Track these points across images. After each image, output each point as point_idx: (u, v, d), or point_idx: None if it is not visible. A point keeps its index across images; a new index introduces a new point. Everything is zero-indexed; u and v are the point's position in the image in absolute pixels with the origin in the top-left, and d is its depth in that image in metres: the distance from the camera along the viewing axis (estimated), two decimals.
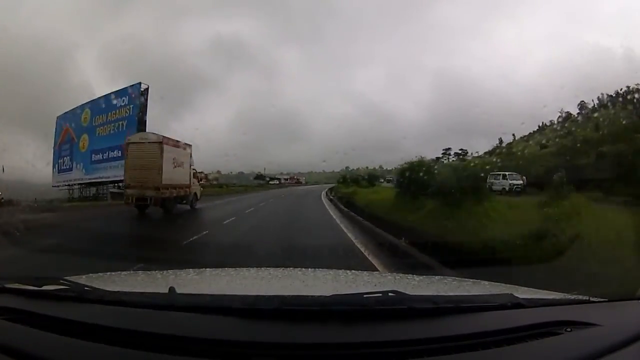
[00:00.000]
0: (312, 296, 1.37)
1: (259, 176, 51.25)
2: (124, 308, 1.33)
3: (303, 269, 2.28)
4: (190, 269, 2.27)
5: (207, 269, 2.37)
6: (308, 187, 48.46)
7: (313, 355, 1.15)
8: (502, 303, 1.34)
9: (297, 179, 58.91)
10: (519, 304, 1.34)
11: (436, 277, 2.15)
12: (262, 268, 2.30)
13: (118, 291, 1.53)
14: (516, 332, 1.21)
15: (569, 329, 1.22)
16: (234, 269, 2.37)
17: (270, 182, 51.73)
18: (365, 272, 2.23)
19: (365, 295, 1.31)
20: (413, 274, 2.27)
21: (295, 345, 1.15)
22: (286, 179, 56.71)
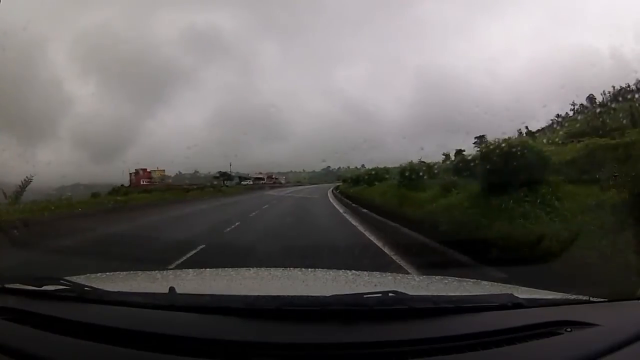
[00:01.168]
0: (312, 296, 1.37)
1: (224, 175, 40.53)
2: (123, 308, 1.33)
3: (303, 269, 2.28)
4: (190, 269, 2.28)
5: (207, 269, 2.38)
6: (296, 190, 33.45)
7: (313, 356, 1.15)
8: (502, 303, 1.34)
9: (275, 179, 47.75)
10: (519, 304, 1.34)
11: (436, 277, 2.15)
12: (262, 268, 2.30)
13: (118, 291, 1.53)
14: (516, 332, 1.21)
15: (569, 329, 1.22)
16: (233, 269, 2.37)
17: (242, 183, 42.49)
18: (365, 272, 2.23)
19: (365, 296, 1.31)
20: (413, 274, 2.27)
21: (296, 345, 1.15)
22: (259, 179, 45.50)
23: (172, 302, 1.34)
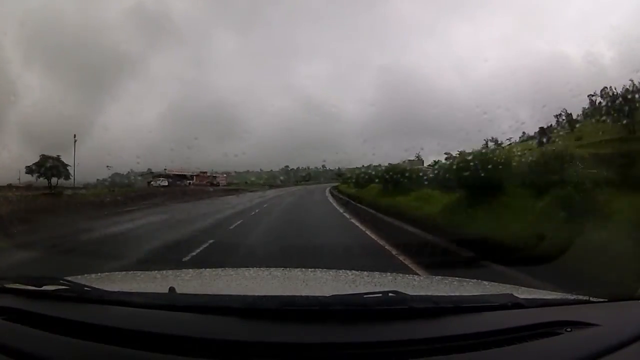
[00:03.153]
0: (312, 296, 1.37)
1: (152, 174, 31.78)
2: (123, 308, 1.33)
3: (303, 269, 2.28)
4: (190, 269, 2.28)
5: (207, 269, 2.38)
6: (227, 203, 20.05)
7: (313, 355, 1.15)
8: (502, 303, 1.34)
9: (213, 178, 37.35)
10: (519, 304, 1.34)
11: (436, 277, 2.15)
12: (262, 268, 2.30)
13: (118, 291, 1.53)
14: (516, 332, 1.21)
15: (569, 329, 1.22)
16: (233, 269, 2.38)
17: (153, 184, 32.26)
18: (365, 272, 2.23)
19: (365, 296, 1.31)
20: (413, 274, 2.27)
21: (296, 345, 1.15)
22: (182, 178, 34.88)
23: (172, 302, 1.34)
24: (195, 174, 36.20)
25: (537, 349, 1.16)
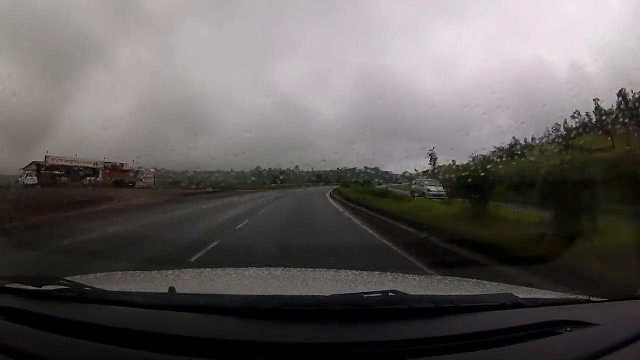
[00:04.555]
0: (312, 296, 1.38)
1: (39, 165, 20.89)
2: (124, 308, 1.33)
3: (303, 269, 2.28)
4: (190, 269, 2.28)
5: (207, 269, 2.38)
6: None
7: (313, 355, 1.14)
8: (502, 303, 1.34)
9: (136, 174, 26.07)
10: (519, 304, 1.34)
11: (436, 277, 2.15)
12: (262, 268, 2.30)
13: (118, 291, 1.53)
14: (516, 332, 1.21)
15: (569, 329, 1.22)
16: (233, 269, 2.38)
17: (20, 181, 20.60)
18: (365, 272, 2.23)
19: (365, 295, 1.31)
20: (413, 275, 2.27)
21: (296, 345, 1.15)
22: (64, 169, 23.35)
23: (172, 302, 1.34)
24: (100, 166, 25.20)
25: (537, 349, 1.16)
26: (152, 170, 25.31)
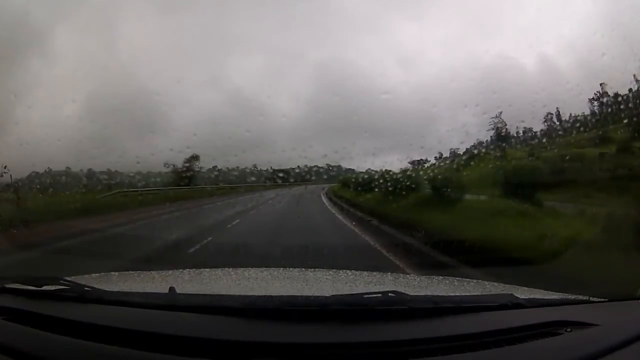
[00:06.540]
0: (312, 296, 1.37)
1: None
2: (124, 308, 1.33)
3: (303, 269, 2.28)
4: (190, 269, 2.27)
5: (207, 269, 2.37)
6: None
7: (313, 355, 1.15)
8: (502, 303, 1.34)
9: None
10: (519, 304, 1.34)
11: (436, 277, 2.15)
12: (262, 268, 2.30)
13: (118, 291, 1.53)
14: (516, 332, 1.21)
15: (568, 329, 1.22)
16: (233, 269, 2.37)
17: None
18: (365, 272, 2.23)
19: (365, 296, 1.31)
20: (413, 275, 2.27)
21: (296, 345, 1.15)
22: None
23: (172, 302, 1.34)
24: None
25: (537, 349, 1.16)
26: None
